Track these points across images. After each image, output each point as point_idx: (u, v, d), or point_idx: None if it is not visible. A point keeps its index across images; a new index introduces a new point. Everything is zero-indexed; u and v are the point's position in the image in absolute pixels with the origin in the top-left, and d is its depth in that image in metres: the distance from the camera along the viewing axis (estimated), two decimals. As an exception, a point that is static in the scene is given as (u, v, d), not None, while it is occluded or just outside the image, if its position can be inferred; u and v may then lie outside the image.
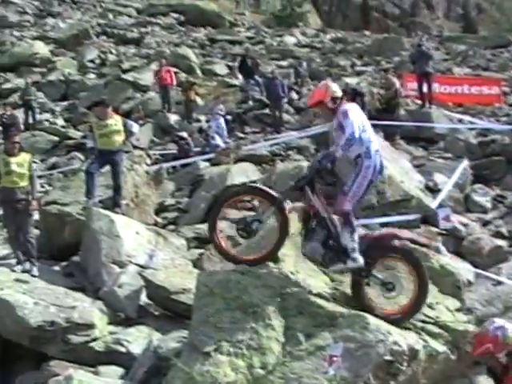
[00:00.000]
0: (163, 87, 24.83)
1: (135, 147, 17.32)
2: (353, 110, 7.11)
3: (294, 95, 25.12)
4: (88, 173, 11.99)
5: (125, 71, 30.28)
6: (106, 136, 12.13)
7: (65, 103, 28.49)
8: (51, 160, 22.24)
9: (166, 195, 15.64)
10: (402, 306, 6.97)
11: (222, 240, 7.21)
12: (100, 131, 12.17)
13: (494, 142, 17.35)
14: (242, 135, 22.06)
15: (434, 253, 8.59)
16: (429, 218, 12.51)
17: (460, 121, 21.10)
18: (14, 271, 10.37)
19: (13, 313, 9.22)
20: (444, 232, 12.17)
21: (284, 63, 32.06)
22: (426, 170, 15.15)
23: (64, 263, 11.47)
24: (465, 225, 12.78)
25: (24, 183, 10.86)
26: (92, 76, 31.09)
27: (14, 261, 10.82)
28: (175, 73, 26.13)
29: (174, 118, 24.06)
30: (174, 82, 24.97)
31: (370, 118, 19.41)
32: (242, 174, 15.09)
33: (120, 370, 8.52)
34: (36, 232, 11.72)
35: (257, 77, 25.12)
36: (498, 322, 6.17)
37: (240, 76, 27.08)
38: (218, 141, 19.43)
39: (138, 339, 9.03)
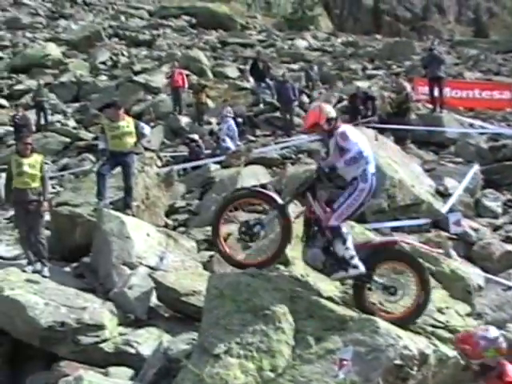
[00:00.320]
0: (175, 89, 24.89)
1: (146, 149, 17.37)
2: (350, 130, 7.21)
3: (305, 98, 25.11)
4: (99, 174, 12.03)
5: (136, 73, 30.37)
6: (118, 138, 12.17)
7: (76, 105, 28.60)
8: (62, 161, 22.31)
9: (176, 197, 15.65)
10: (404, 310, 6.99)
11: (225, 244, 7.26)
12: (112, 133, 12.21)
13: (505, 147, 17.28)
14: (252, 138, 22.07)
15: (444, 257, 8.59)
16: (439, 223, 12.50)
17: (471, 125, 21.03)
18: (24, 272, 10.39)
19: (23, 313, 9.23)
20: (454, 237, 12.15)
21: (295, 66, 32.07)
22: (436, 175, 15.11)
23: (75, 264, 11.50)
24: (475, 230, 12.74)
25: (36, 184, 10.89)
26: (104, 78, 31.20)
27: (25, 261, 10.87)
28: (187, 75, 26.19)
29: (184, 121, 24.10)
30: (186, 85, 25.04)
31: (381, 122, 19.44)
32: (253, 176, 15.10)
33: (130, 372, 8.53)
34: (47, 233, 11.75)
35: (268, 80, 25.12)
36: (492, 332, 6.10)
37: (251, 79, 27.09)
38: (229, 143, 19.45)
39: (147, 341, 9.05)
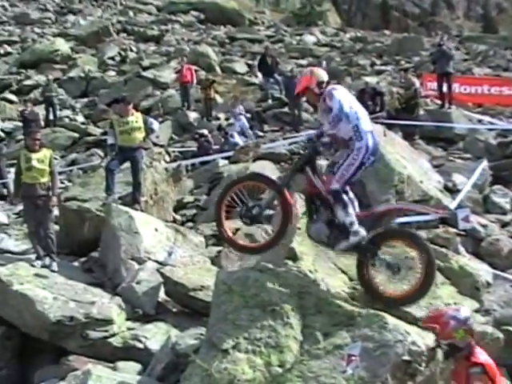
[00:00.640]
0: (183, 85, 24.90)
1: (155, 144, 17.40)
2: (339, 90, 7.07)
3: (314, 94, 25.05)
4: (108, 169, 12.06)
5: (145, 69, 30.42)
6: (127, 133, 12.20)
7: (85, 100, 28.68)
8: (71, 156, 22.39)
9: (184, 192, 15.68)
10: (407, 289, 6.89)
11: (228, 229, 7.27)
12: (121, 128, 12.24)
13: (514, 143, 17.25)
14: (260, 133, 22.07)
15: (453, 253, 8.57)
16: (448, 219, 12.46)
17: (480, 121, 20.97)
18: (33, 266, 10.41)
19: (32, 307, 9.27)
20: (463, 233, 12.11)
21: (303, 62, 32.00)
22: (445, 171, 15.07)
23: (83, 259, 11.55)
24: (484, 226, 12.70)
25: (44, 179, 10.89)
26: (112, 73, 31.28)
27: (33, 256, 10.90)
28: (195, 71, 26.20)
29: (193, 116, 24.14)
30: (194, 80, 25.05)
31: (390, 117, 19.32)
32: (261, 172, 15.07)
33: (138, 366, 8.54)
34: (56, 228, 11.79)
35: (276, 75, 25.11)
36: (463, 312, 6.00)
37: (259, 74, 27.09)
38: (237, 139, 19.47)
39: (155, 335, 9.08)
